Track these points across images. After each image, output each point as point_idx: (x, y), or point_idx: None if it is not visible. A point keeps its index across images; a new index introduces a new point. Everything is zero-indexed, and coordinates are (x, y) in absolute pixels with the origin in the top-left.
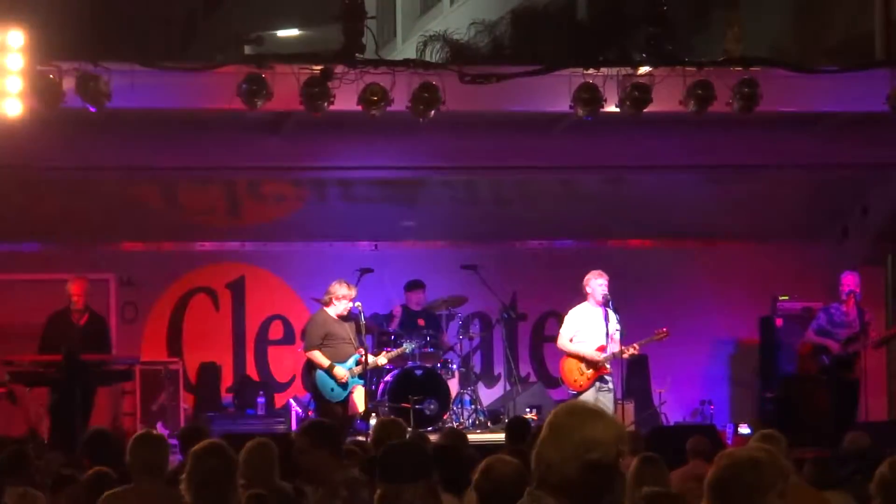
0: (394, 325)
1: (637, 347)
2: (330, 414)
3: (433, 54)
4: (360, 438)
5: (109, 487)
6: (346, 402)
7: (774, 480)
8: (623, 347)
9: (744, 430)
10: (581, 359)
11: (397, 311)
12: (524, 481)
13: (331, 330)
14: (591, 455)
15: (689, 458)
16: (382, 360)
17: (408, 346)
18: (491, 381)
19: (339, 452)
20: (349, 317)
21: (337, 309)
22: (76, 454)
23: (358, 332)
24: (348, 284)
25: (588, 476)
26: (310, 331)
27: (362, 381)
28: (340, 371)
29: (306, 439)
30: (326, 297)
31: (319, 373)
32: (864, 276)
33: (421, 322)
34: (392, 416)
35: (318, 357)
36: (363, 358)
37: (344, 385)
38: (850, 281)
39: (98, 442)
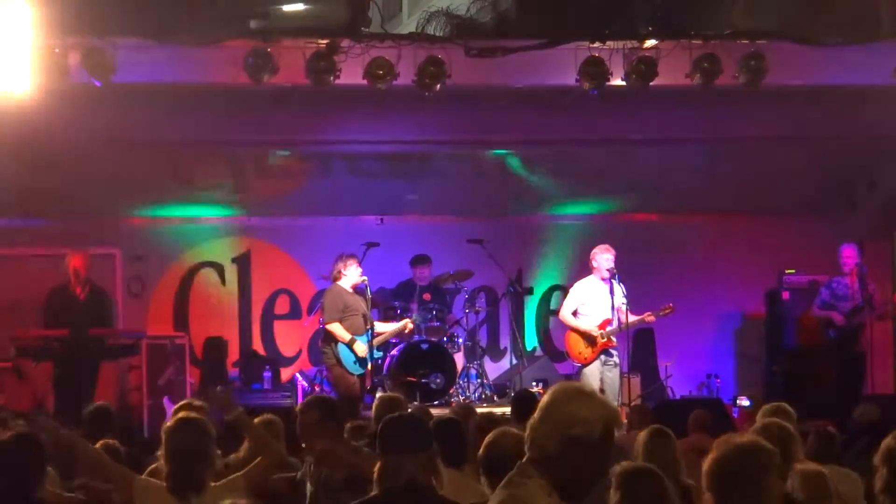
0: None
1: (653, 316)
2: (349, 388)
3: (435, 30)
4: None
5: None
6: (366, 375)
7: (775, 463)
8: (638, 317)
9: (743, 402)
10: (580, 333)
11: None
12: None
13: (347, 302)
14: (572, 431)
15: (689, 432)
16: (409, 324)
17: (417, 318)
18: (497, 354)
19: (342, 428)
20: (358, 290)
21: (350, 279)
22: (81, 429)
23: (366, 306)
24: (350, 255)
25: (568, 451)
26: (328, 303)
27: (371, 356)
28: (360, 347)
29: (315, 414)
30: (335, 273)
31: (342, 346)
32: (871, 250)
33: (427, 296)
34: (391, 392)
35: (339, 330)
36: (373, 332)
37: (363, 360)
38: (850, 254)
39: (100, 418)
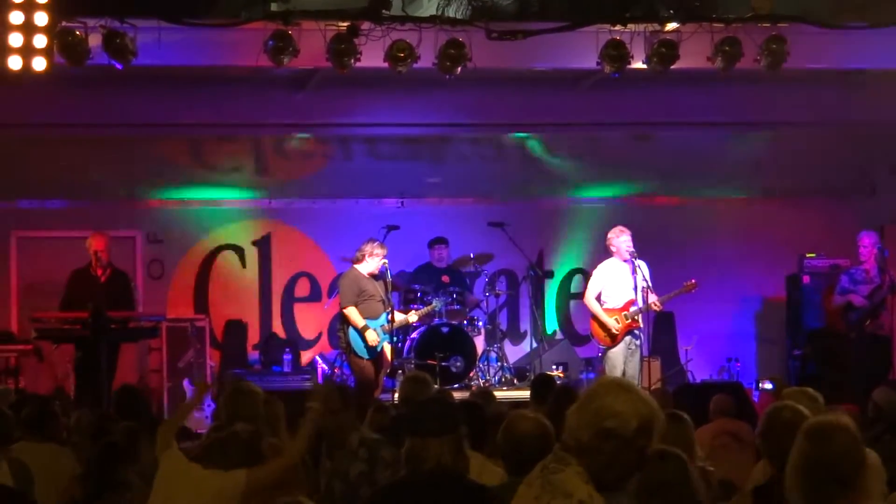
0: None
1: (659, 304)
2: (362, 371)
3: (456, 13)
4: (386, 396)
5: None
6: (379, 359)
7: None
8: (650, 301)
9: (766, 385)
10: (601, 323)
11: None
12: (544, 438)
13: (363, 286)
14: (605, 423)
15: (712, 417)
16: (413, 317)
17: (437, 304)
18: (517, 338)
19: (357, 414)
20: (378, 275)
21: (369, 266)
22: (104, 410)
23: (385, 289)
24: (380, 244)
25: (600, 444)
26: (344, 287)
27: (390, 338)
28: (371, 336)
29: (337, 399)
30: (358, 255)
31: (353, 330)
32: (891, 234)
33: (445, 279)
34: (418, 372)
35: (354, 315)
36: (392, 316)
37: (373, 348)
38: (867, 242)
39: (126, 398)
